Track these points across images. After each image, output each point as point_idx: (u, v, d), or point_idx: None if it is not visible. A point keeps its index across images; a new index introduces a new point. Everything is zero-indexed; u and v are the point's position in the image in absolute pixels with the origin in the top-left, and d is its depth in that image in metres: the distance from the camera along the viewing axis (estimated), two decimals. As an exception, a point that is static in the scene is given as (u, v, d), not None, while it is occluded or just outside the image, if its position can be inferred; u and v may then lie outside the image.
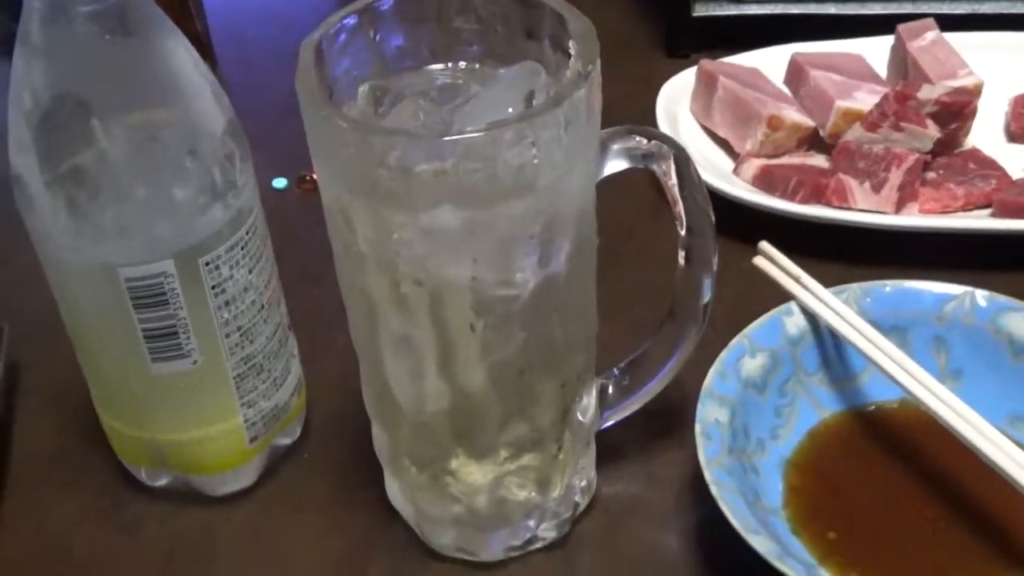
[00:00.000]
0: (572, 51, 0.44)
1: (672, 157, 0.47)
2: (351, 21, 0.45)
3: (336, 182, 0.43)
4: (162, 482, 0.56)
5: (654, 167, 0.47)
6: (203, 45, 0.83)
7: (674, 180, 0.48)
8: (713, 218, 0.49)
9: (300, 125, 0.78)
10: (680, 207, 0.48)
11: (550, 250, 0.43)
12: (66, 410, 0.61)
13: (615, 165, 0.46)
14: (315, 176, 0.75)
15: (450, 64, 0.47)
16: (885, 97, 0.67)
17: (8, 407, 0.61)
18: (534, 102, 0.44)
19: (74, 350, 0.53)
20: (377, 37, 0.46)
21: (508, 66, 0.46)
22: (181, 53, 0.46)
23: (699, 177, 0.48)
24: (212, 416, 0.53)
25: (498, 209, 0.41)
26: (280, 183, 0.75)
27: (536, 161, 0.41)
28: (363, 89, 0.46)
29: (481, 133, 0.39)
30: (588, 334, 0.49)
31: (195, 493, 0.56)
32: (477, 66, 0.47)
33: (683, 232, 0.49)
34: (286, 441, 0.57)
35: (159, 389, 0.51)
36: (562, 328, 0.46)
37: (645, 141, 0.46)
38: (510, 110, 0.43)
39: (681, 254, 0.50)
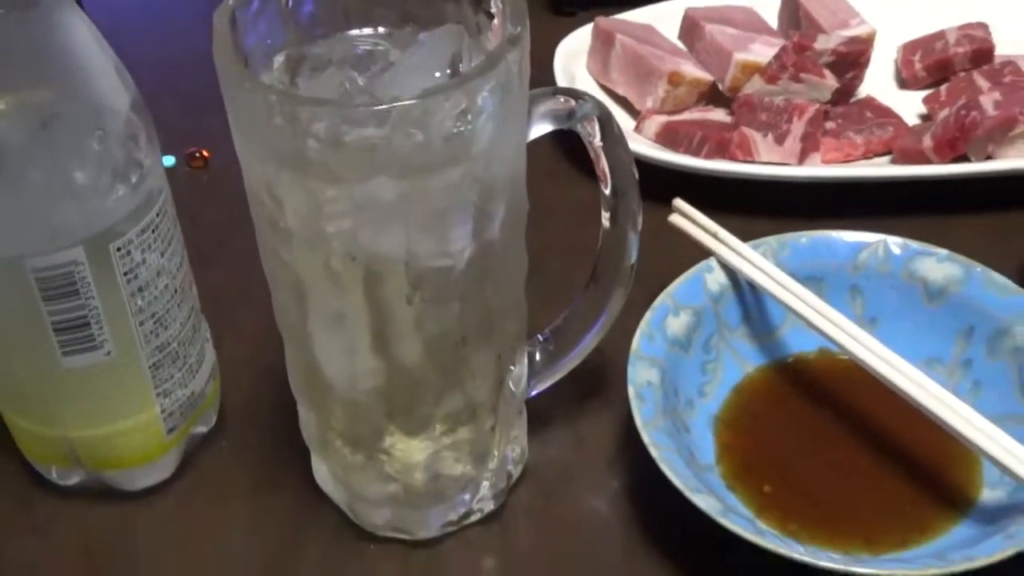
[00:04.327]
0: (495, 12, 0.43)
1: (596, 117, 0.46)
2: (262, -13, 0.43)
3: (261, 157, 0.41)
4: (74, 480, 0.53)
5: (578, 128, 0.47)
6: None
7: (599, 140, 0.47)
8: (637, 177, 0.49)
9: (183, 98, 0.77)
10: (605, 167, 0.48)
11: (485, 218, 0.42)
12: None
13: (540, 128, 0.45)
14: (206, 153, 0.73)
15: (366, 29, 0.45)
16: (783, 48, 0.67)
17: None
18: (460, 66, 0.43)
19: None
20: (289, 4, 0.44)
21: (426, 29, 0.45)
22: (81, 27, 0.44)
23: (623, 136, 0.48)
24: (128, 409, 0.50)
25: (433, 178, 0.40)
26: (168, 161, 0.72)
27: (471, 127, 0.39)
28: (279, 59, 0.44)
29: (414, 101, 0.38)
30: (520, 301, 0.48)
31: (110, 489, 0.53)
32: (395, 30, 0.45)
33: (607, 193, 0.49)
34: (202, 429, 0.55)
35: (71, 384, 0.48)
36: (497, 296, 0.45)
37: (572, 101, 0.45)
38: (436, 75, 0.42)
39: (605, 215, 0.50)
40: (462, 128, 0.39)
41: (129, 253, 0.46)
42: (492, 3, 0.43)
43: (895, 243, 0.56)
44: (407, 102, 0.38)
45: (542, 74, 0.71)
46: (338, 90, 0.42)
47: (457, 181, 0.40)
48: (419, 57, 0.43)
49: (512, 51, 0.40)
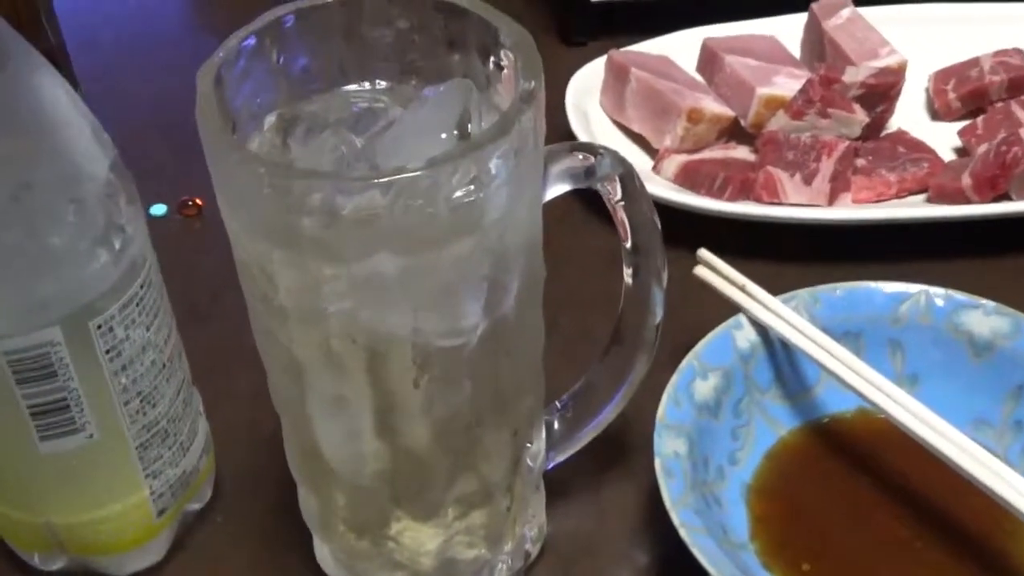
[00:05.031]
0: (507, 64, 0.39)
1: (618, 176, 0.42)
2: (250, 43, 0.39)
3: (251, 232, 0.37)
4: (58, 566, 0.49)
5: (598, 186, 0.43)
6: (60, 60, 0.75)
7: (619, 197, 0.43)
8: (660, 231, 0.45)
9: (175, 142, 0.73)
10: (626, 223, 0.44)
11: (499, 291, 0.38)
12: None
13: (557, 189, 0.42)
14: (199, 201, 0.69)
15: (365, 84, 0.42)
16: (809, 82, 0.63)
17: None
18: (469, 125, 0.39)
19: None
20: (280, 59, 0.40)
21: (431, 83, 0.41)
22: (55, 90, 0.40)
23: (645, 191, 0.44)
24: (114, 493, 0.47)
25: (440, 252, 0.36)
26: (159, 210, 0.68)
27: (481, 196, 0.35)
28: (270, 119, 0.40)
29: (419, 172, 0.34)
30: (537, 373, 0.44)
31: (97, 575, 0.49)
32: (396, 85, 0.42)
33: (628, 248, 0.45)
34: (196, 506, 0.51)
35: (51, 469, 0.45)
36: (512, 372, 0.42)
37: (591, 158, 0.42)
38: (443, 136, 0.38)
39: (627, 272, 0.46)
40: (472, 197, 0.35)
41: (111, 330, 0.42)
42: (502, 54, 0.39)
43: (937, 294, 0.52)
44: (411, 173, 0.34)
45: (552, 110, 0.67)
46: (334, 154, 0.38)
47: (467, 254, 0.37)
48: (423, 115, 0.39)
49: (527, 110, 0.36)
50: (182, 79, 0.81)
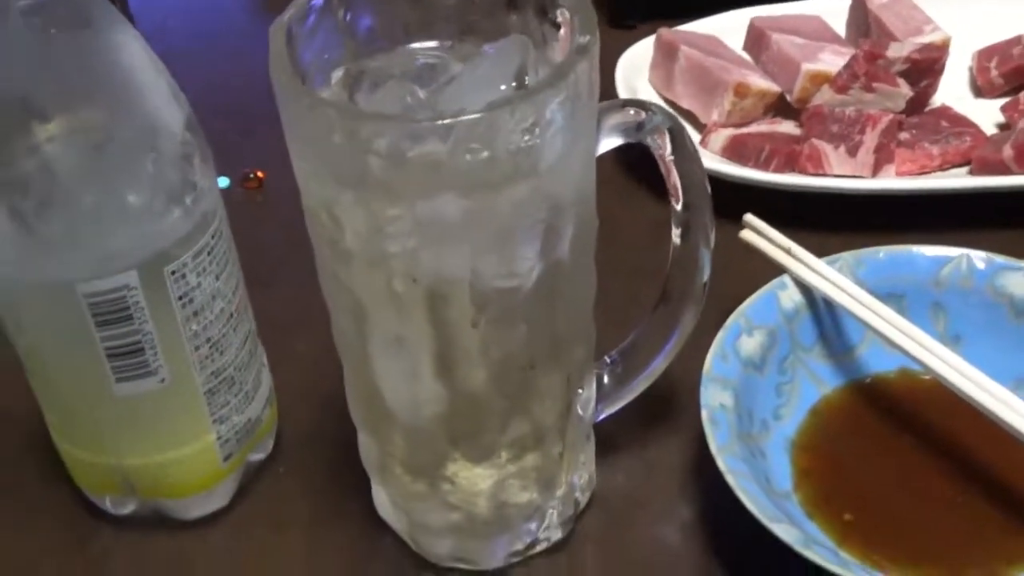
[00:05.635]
0: (563, 22, 0.41)
1: (668, 129, 0.44)
2: (318, 2, 0.41)
3: (320, 175, 0.39)
4: (129, 509, 0.52)
5: (648, 140, 0.45)
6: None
7: (669, 153, 0.45)
8: (709, 190, 0.46)
9: (238, 118, 0.76)
10: (676, 181, 0.46)
11: (554, 236, 0.40)
12: (14, 437, 0.57)
13: (609, 142, 0.44)
14: (260, 174, 0.72)
15: (427, 42, 0.44)
16: (854, 57, 0.65)
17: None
18: (526, 79, 0.41)
19: (24, 373, 0.49)
20: (347, 17, 0.42)
21: (490, 41, 0.43)
22: (133, 46, 0.42)
23: (695, 148, 0.45)
24: (183, 436, 0.49)
25: (499, 195, 0.38)
26: (221, 182, 0.70)
27: (539, 141, 0.37)
28: (337, 74, 0.42)
29: (480, 115, 0.36)
30: (588, 322, 0.46)
31: (165, 519, 0.52)
32: (456, 43, 0.44)
33: (678, 207, 0.47)
34: (259, 456, 0.54)
35: (124, 411, 0.47)
36: (565, 317, 0.43)
37: (642, 113, 0.43)
38: (502, 88, 0.40)
39: (676, 231, 0.47)
40: (530, 142, 0.37)
41: (184, 276, 0.45)
42: (558, 13, 0.41)
43: (978, 257, 0.54)
44: (472, 116, 0.36)
45: (602, 88, 0.69)
46: (399, 104, 0.40)
47: (525, 197, 0.39)
48: (483, 70, 0.41)
49: (581, 62, 0.38)
50: (240, 62, 0.84)
